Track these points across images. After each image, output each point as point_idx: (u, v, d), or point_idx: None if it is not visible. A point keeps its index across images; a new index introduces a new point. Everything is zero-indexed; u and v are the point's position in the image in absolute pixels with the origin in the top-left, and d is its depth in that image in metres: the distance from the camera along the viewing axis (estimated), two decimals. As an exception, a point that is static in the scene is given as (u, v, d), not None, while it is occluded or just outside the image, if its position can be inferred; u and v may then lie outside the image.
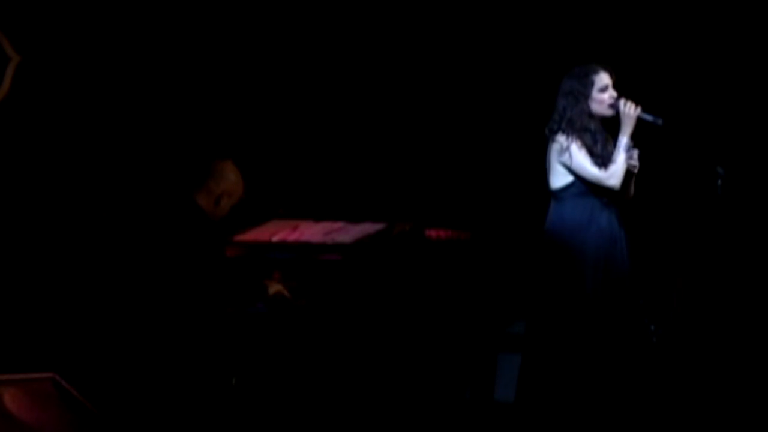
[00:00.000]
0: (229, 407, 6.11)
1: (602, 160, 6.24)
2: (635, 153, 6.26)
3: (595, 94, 6.28)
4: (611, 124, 6.32)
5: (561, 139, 6.26)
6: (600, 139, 6.29)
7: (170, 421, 5.88)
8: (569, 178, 6.28)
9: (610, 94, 6.27)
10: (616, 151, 6.23)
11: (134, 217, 6.53)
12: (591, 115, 6.28)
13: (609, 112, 6.29)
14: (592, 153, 6.24)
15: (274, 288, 6.32)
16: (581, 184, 6.26)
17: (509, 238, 7.11)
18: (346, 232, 6.78)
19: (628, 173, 6.26)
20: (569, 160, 6.25)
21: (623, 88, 6.32)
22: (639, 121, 6.24)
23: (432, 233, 6.90)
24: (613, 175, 6.22)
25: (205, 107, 7.60)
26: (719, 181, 6.33)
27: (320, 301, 6.45)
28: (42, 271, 7.10)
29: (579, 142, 6.24)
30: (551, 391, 6.18)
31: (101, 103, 7.35)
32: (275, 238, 6.77)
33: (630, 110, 6.21)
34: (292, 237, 6.79)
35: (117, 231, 6.85)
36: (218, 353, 6.04)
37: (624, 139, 6.23)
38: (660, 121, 6.24)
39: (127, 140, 7.40)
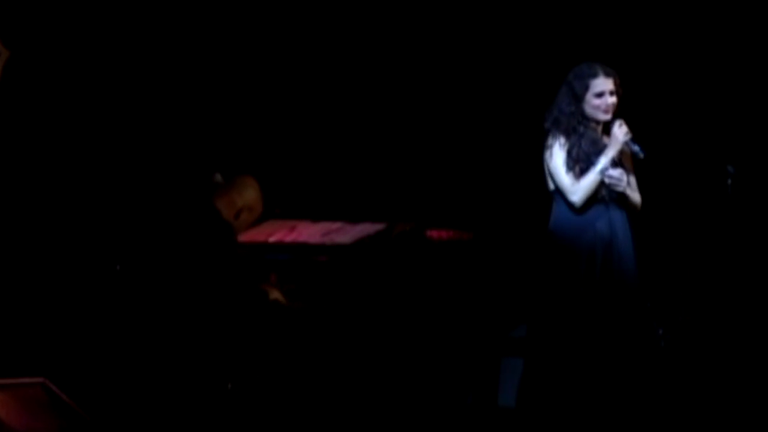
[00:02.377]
0: (225, 412, 6.05)
1: (576, 164, 6.13)
2: (616, 172, 6.13)
3: (589, 97, 6.20)
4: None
5: (549, 137, 6.22)
6: (587, 142, 6.18)
7: (163, 426, 5.82)
8: None
9: (605, 101, 6.18)
10: (591, 170, 6.12)
11: (143, 216, 6.49)
12: (585, 117, 6.21)
13: (604, 117, 6.22)
14: (569, 155, 6.14)
15: (273, 295, 6.25)
16: None
17: (512, 239, 7.09)
18: (344, 233, 6.74)
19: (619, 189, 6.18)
20: (549, 159, 6.20)
21: (631, 88, 6.26)
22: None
23: (433, 234, 6.87)
24: (577, 191, 6.15)
25: (202, 106, 7.59)
26: (730, 180, 6.30)
27: (318, 303, 6.40)
28: (37, 272, 7.05)
29: (563, 140, 6.16)
30: (554, 396, 6.14)
31: (93, 100, 7.32)
32: (272, 239, 6.73)
33: (620, 134, 6.14)
34: (290, 238, 6.75)
35: (123, 230, 6.81)
36: (214, 358, 5.97)
37: (603, 161, 6.14)
38: (642, 156, 6.14)
39: (122, 139, 7.38)
